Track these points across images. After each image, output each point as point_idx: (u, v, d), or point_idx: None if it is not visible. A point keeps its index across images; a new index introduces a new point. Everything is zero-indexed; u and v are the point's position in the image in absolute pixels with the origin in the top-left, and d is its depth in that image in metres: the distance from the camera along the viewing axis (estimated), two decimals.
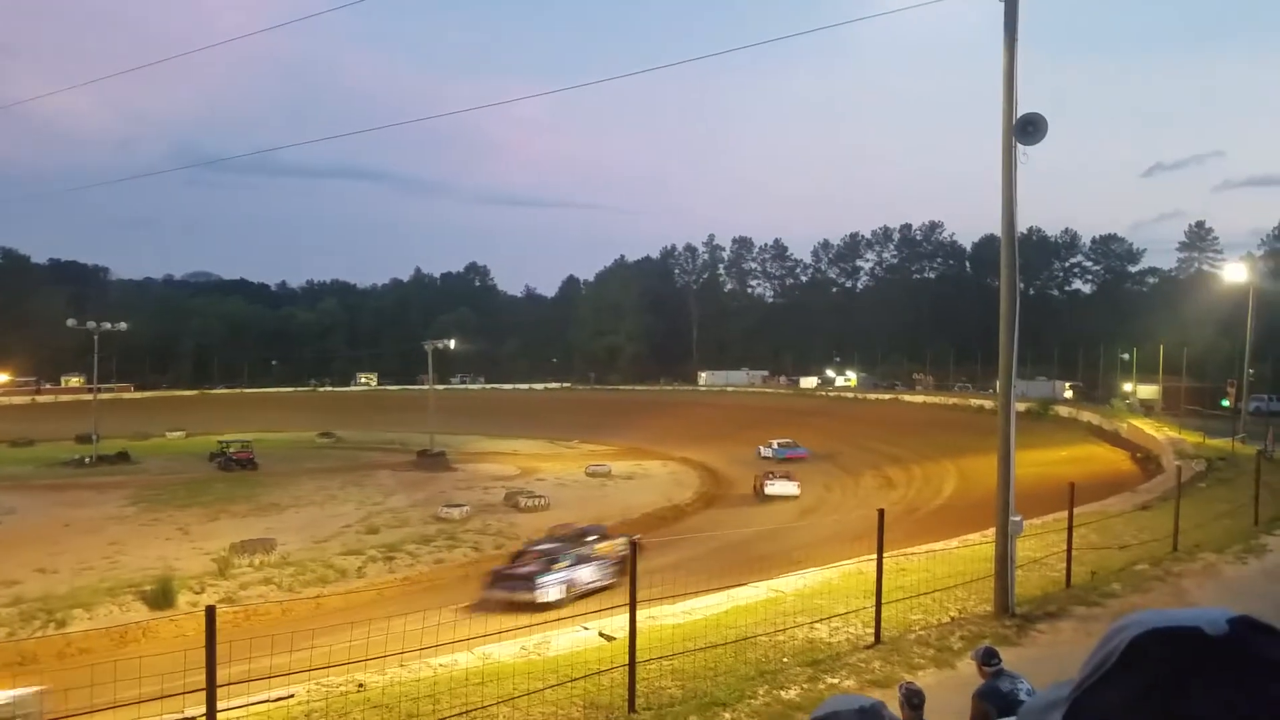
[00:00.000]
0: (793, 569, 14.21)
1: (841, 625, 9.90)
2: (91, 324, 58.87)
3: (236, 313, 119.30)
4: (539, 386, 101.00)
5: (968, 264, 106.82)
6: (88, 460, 50.94)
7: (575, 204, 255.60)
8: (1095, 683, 0.75)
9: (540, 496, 34.10)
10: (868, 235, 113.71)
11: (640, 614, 7.95)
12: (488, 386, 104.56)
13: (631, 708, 7.42)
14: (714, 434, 56.23)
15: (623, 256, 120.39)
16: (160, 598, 20.55)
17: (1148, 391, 57.99)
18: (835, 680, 8.15)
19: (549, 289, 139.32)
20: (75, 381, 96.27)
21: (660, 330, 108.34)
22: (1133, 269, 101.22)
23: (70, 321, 63.25)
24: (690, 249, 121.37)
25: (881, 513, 9.72)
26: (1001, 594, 10.25)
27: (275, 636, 8.48)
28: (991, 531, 11.56)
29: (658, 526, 30.03)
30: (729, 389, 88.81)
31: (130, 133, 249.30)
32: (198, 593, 21.19)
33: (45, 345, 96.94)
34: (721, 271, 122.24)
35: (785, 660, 8.75)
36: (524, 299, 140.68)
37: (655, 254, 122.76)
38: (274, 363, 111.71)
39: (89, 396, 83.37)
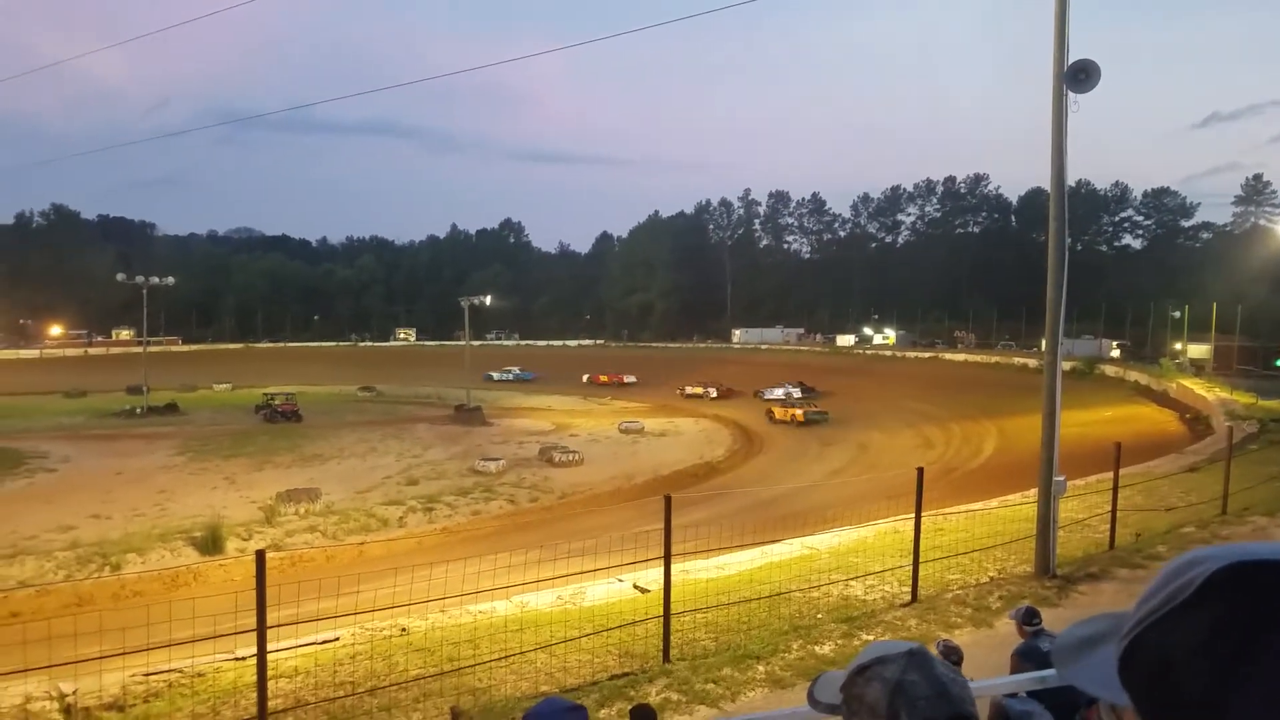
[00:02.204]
0: (827, 527, 14.21)
1: (877, 583, 9.89)
2: (140, 279, 60.02)
3: (278, 269, 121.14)
4: (572, 343, 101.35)
5: (1013, 218, 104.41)
6: (138, 411, 52.32)
7: (610, 160, 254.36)
8: (1162, 618, 0.71)
9: (574, 452, 34.37)
10: (909, 189, 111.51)
11: (674, 567, 8.01)
12: (522, 343, 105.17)
13: (666, 658, 7.51)
14: (748, 392, 56.21)
15: (656, 212, 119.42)
16: (209, 543, 21.16)
17: (1198, 351, 56.63)
18: (870, 636, 8.15)
19: (583, 245, 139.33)
20: (125, 335, 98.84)
21: (693, 287, 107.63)
22: (1185, 224, 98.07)
23: (119, 276, 64.63)
24: (725, 204, 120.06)
25: (921, 471, 9.61)
26: (1042, 555, 10.13)
27: (321, 582, 8.70)
28: (1033, 492, 11.42)
29: (690, 483, 30.16)
30: (763, 347, 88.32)
31: (174, 91, 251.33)
32: (245, 539, 21.77)
33: (95, 299, 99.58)
34: (757, 227, 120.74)
35: (819, 616, 8.77)
36: (557, 255, 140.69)
37: (689, 209, 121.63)
38: (315, 318, 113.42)
39: (138, 349, 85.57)
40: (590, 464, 33.28)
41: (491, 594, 10.13)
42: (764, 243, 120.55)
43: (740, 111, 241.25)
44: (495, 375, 74.95)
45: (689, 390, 61.09)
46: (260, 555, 5.63)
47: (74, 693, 6.76)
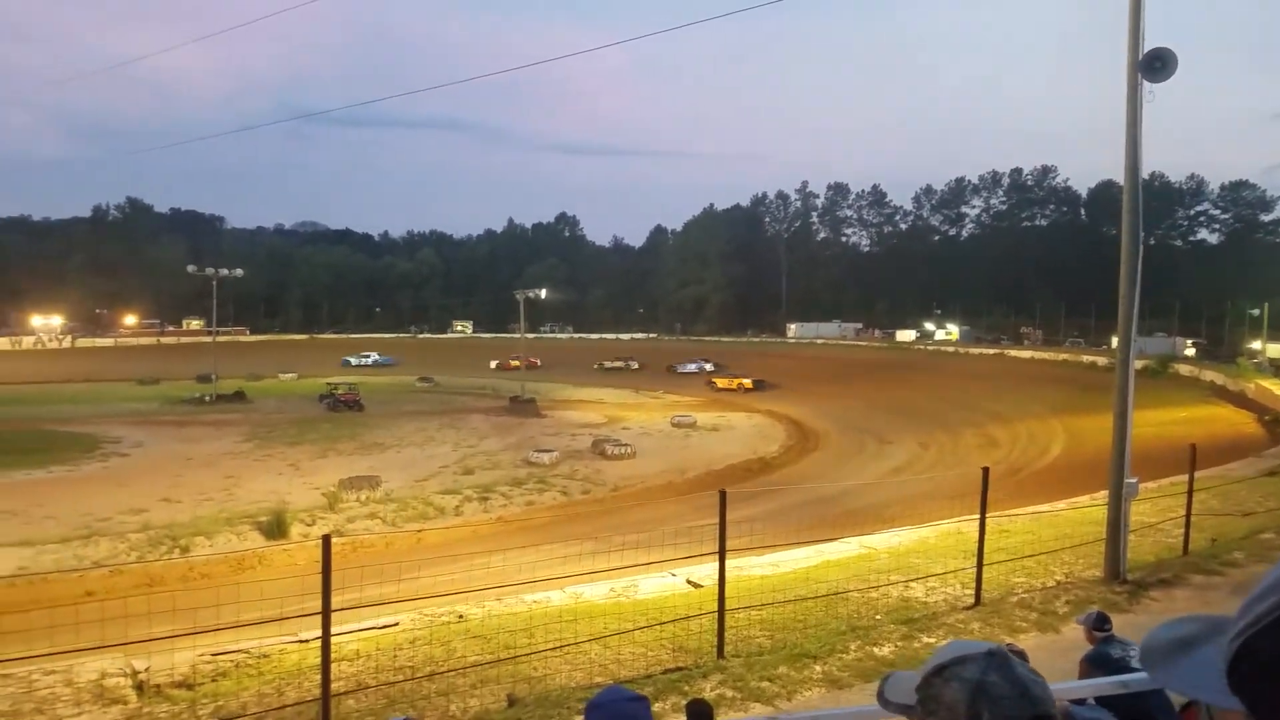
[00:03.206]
0: (885, 526, 14.02)
1: (938, 585, 9.71)
2: (209, 270, 61.88)
3: (341, 262, 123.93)
4: (625, 336, 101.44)
5: (1082, 211, 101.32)
6: (207, 399, 54.02)
7: (665, 152, 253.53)
8: (1276, 621, 0.68)
9: (626, 445, 34.44)
10: (974, 180, 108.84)
11: (727, 564, 7.96)
12: (575, 336, 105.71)
13: (720, 654, 7.47)
14: (802, 388, 55.63)
15: (711, 205, 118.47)
16: (274, 528, 21.74)
17: (1278, 350, 54.27)
18: (931, 639, 8.00)
19: (637, 239, 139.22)
20: (195, 324, 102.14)
21: (748, 280, 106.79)
22: (1265, 218, 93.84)
23: (190, 268, 66.92)
24: (782, 196, 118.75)
25: (986, 470, 9.40)
26: (1112, 559, 9.83)
27: (382, 567, 8.87)
28: (1102, 494, 11.09)
29: (743, 478, 29.95)
30: (819, 341, 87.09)
31: (245, 88, 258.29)
32: (309, 525, 22.32)
33: (167, 290, 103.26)
34: (814, 219, 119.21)
35: (878, 617, 8.64)
36: (611, 249, 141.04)
37: (745, 202, 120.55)
38: (376, 310, 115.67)
39: (208, 339, 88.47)
40: (642, 457, 33.31)
41: (546, 584, 10.20)
42: (821, 235, 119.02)
43: (798, 102, 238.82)
44: (353, 360, 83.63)
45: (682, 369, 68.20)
46: (326, 540, 5.75)
47: (146, 670, 7.00)
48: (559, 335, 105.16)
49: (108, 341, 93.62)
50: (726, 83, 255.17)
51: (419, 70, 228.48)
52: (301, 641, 7.47)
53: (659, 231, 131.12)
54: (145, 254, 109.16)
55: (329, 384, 55.10)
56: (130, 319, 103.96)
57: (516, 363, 74.66)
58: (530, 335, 72.68)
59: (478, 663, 7.17)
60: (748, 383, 61.45)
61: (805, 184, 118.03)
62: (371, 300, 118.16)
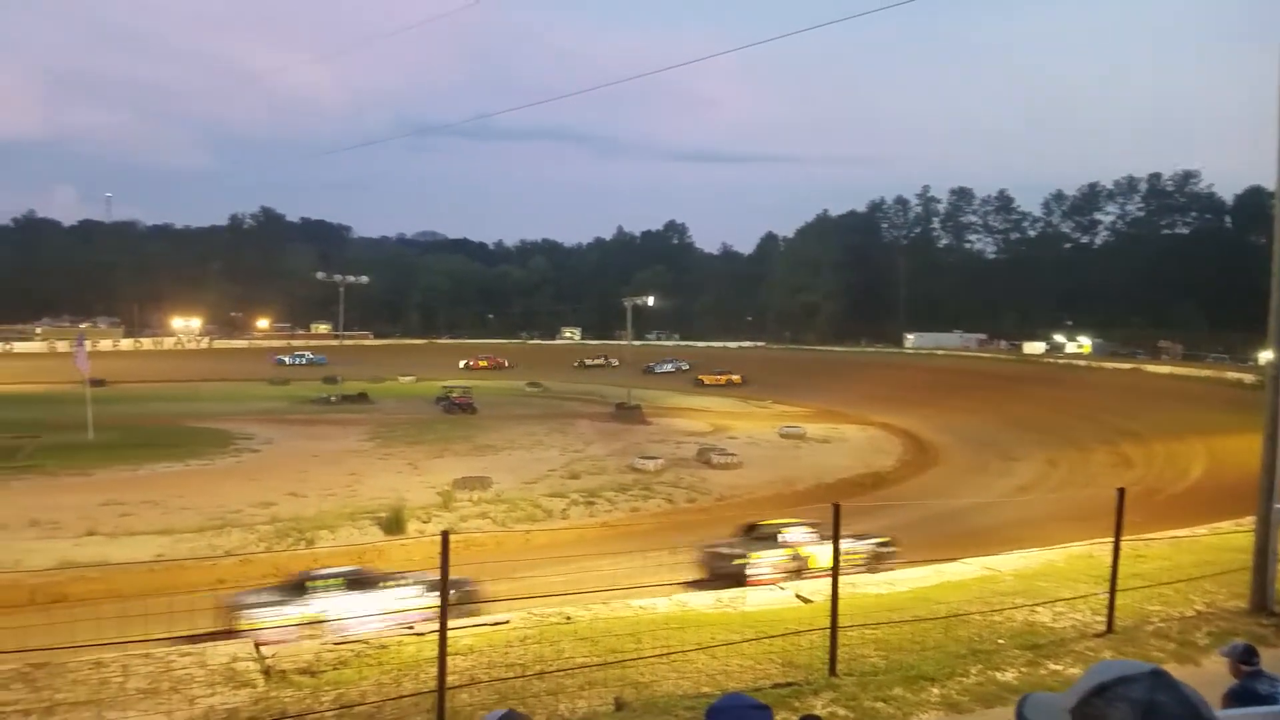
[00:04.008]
0: (1009, 547, 13.38)
1: (1066, 610, 9.19)
2: (337, 277, 65.17)
3: (458, 270, 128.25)
4: (732, 344, 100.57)
5: (1227, 219, 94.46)
6: (333, 399, 56.70)
7: (777, 158, 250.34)
8: None
9: (732, 455, 34.13)
10: (1108, 186, 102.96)
11: (840, 580, 7.73)
12: (681, 343, 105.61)
13: (832, 671, 7.25)
14: (920, 400, 53.69)
15: (826, 211, 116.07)
16: (393, 524, 22.58)
17: None
18: (1058, 666, 7.56)
19: (746, 246, 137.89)
20: (322, 328, 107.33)
21: (863, 288, 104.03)
22: None
23: (319, 274, 70.78)
24: (901, 201, 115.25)
25: (1121, 492, 8.84)
26: (1259, 589, 9.10)
27: (493, 565, 9.03)
28: (1248, 520, 10.33)
29: (855, 493, 29.20)
30: (939, 352, 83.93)
31: (369, 103, 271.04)
32: (424, 522, 23.07)
33: (297, 295, 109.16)
34: (935, 225, 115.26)
35: (1000, 641, 8.23)
36: (720, 256, 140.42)
37: (861, 208, 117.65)
38: (490, 316, 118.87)
39: (334, 342, 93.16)
40: (749, 467, 32.97)
41: (652, 590, 10.18)
42: (943, 242, 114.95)
43: (918, 104, 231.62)
44: (287, 360, 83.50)
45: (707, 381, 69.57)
46: (445, 536, 5.88)
47: (272, 655, 7.32)
48: (664, 342, 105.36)
49: (242, 343, 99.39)
50: (842, 85, 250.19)
51: (535, 83, 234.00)
52: (418, 634, 7.67)
53: (769, 238, 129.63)
54: (278, 261, 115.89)
55: (445, 387, 56.96)
56: (263, 322, 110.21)
57: (483, 362, 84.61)
58: (636, 342, 73.12)
59: (585, 664, 7.19)
60: (736, 378, 69.50)
61: (926, 189, 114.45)
62: (486, 306, 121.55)
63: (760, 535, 17.95)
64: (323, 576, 14.87)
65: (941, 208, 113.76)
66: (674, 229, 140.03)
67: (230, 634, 12.14)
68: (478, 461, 32.99)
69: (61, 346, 75.05)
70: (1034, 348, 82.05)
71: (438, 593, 15.91)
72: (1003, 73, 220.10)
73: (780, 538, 17.71)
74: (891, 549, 17.44)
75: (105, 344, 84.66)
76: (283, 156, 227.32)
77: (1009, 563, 11.86)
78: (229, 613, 14.29)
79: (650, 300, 67.98)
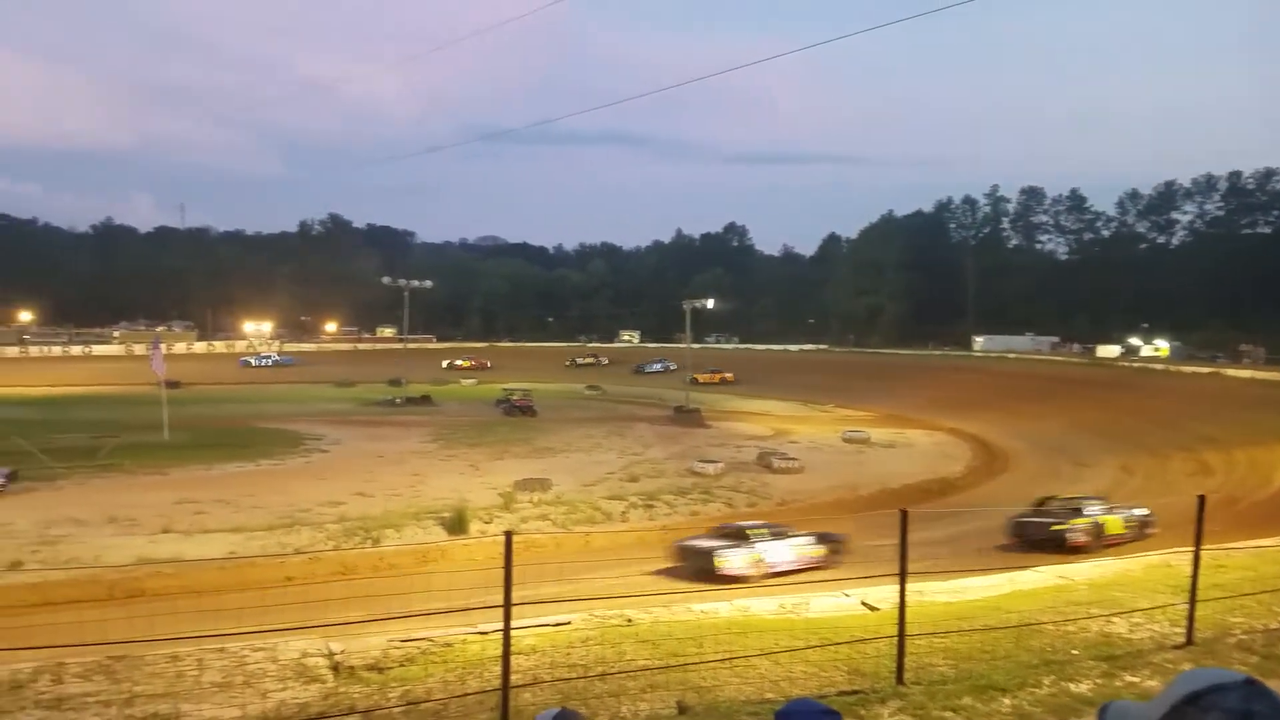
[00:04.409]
0: (1083, 556, 12.99)
1: (1144, 621, 8.84)
2: (401, 282, 66.52)
3: (518, 274, 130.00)
4: (793, 347, 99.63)
5: None
6: (397, 401, 57.86)
7: (839, 158, 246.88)
8: None
9: (793, 459, 33.77)
10: (1185, 184, 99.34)
11: (907, 587, 7.56)
12: (741, 346, 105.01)
13: (899, 680, 7.09)
14: (989, 404, 52.34)
15: (890, 211, 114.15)
16: (455, 524, 22.91)
17: None
18: (1135, 679, 7.27)
19: (808, 248, 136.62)
20: (387, 332, 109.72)
21: (929, 290, 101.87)
22: None
23: (384, 279, 72.46)
24: (969, 201, 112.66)
25: (1202, 499, 8.48)
26: None
27: (553, 566, 9.07)
28: None
29: (922, 499, 28.67)
30: (1009, 355, 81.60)
31: (431, 110, 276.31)
32: (486, 522, 23.36)
33: (363, 300, 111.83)
34: (1005, 225, 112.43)
35: (1075, 652, 7.96)
36: (781, 258, 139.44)
37: (927, 208, 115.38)
38: (549, 319, 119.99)
39: (399, 345, 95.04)
40: (811, 472, 32.60)
41: (713, 594, 10.12)
42: (1013, 242, 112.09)
43: (986, 102, 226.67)
44: (253, 361, 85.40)
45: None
46: (508, 536, 5.92)
47: (341, 652, 7.46)
48: (724, 345, 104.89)
49: (310, 346, 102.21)
50: (907, 83, 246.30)
51: (596, 87, 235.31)
52: (481, 633, 7.73)
53: (832, 240, 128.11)
54: (344, 266, 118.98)
55: (505, 390, 57.66)
56: (330, 326, 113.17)
57: (465, 363, 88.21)
58: (695, 345, 72.95)
59: (646, 667, 7.16)
60: (729, 376, 75.26)
61: (995, 188, 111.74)
62: (545, 310, 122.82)
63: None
64: (754, 527, 19.48)
65: (1011, 207, 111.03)
66: (734, 231, 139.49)
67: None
68: (537, 463, 33.28)
69: (138, 349, 78.38)
70: (1108, 351, 79.31)
71: (826, 544, 18.58)
72: (1074, 68, 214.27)
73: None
74: (1152, 521, 20.41)
75: (180, 347, 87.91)
76: (350, 163, 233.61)
77: (1083, 571, 11.52)
78: (682, 553, 18.86)
79: (710, 303, 67.70)
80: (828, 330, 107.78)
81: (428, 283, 70.90)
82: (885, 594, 9.41)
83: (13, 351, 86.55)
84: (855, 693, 6.82)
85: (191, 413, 45.18)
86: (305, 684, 6.83)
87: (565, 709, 2.15)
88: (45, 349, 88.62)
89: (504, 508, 25.25)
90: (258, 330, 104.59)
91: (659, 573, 18.05)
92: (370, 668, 7.18)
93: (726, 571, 17.87)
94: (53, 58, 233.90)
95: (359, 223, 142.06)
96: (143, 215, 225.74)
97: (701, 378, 74.08)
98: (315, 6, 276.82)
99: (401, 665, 7.25)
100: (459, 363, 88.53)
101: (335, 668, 7.16)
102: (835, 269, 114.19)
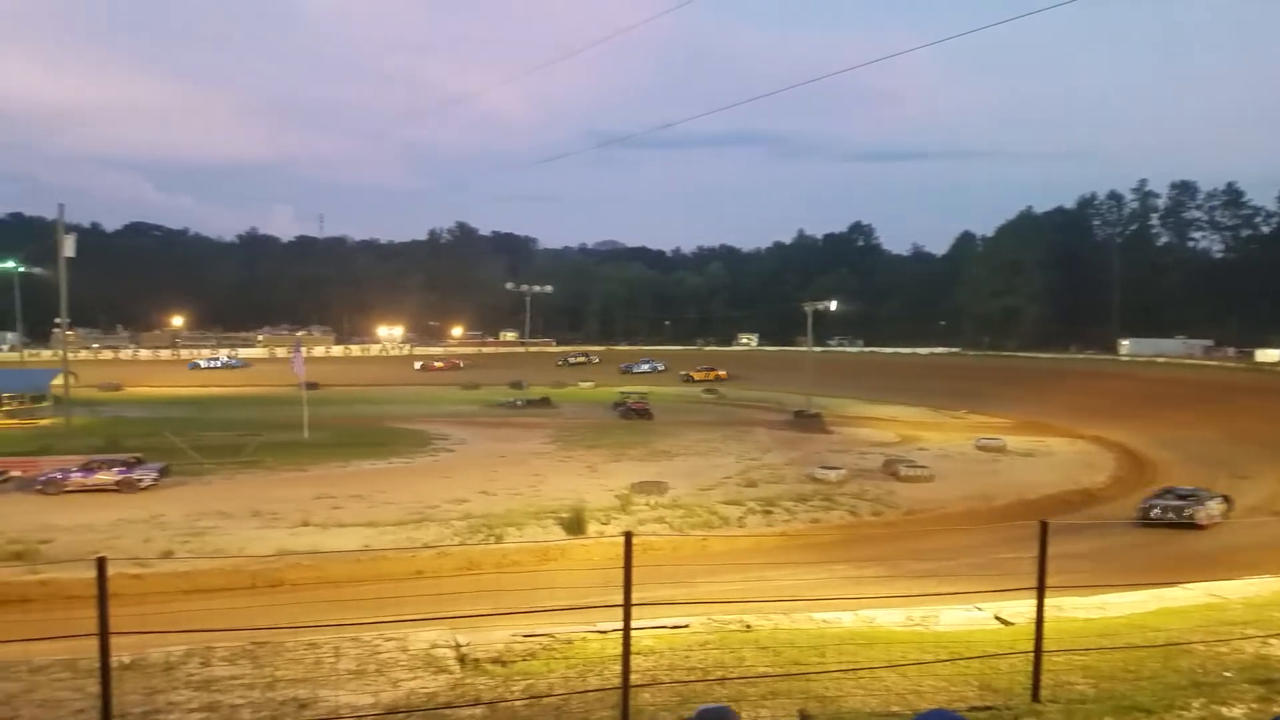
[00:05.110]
0: (1238, 573, 12.01)
1: None
2: (524, 287, 68.44)
3: (635, 277, 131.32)
4: (923, 351, 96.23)
5: None
6: (518, 403, 59.44)
7: (973, 154, 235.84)
8: None
9: (923, 467, 32.60)
10: None
11: (1045, 602, 7.16)
12: (866, 349, 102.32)
13: (1035, 697, 6.73)
14: (1136, 412, 48.89)
15: (1029, 208, 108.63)
16: (574, 525, 23.32)
17: None
18: None
19: (939, 247, 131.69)
20: (509, 336, 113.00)
21: (1071, 290, 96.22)
22: None
23: (508, 285, 74.84)
24: (1114, 197, 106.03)
25: None
26: None
27: (670, 569, 9.06)
28: None
29: (1061, 510, 27.20)
30: (1158, 360, 76.24)
31: (553, 118, 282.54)
32: (603, 523, 23.66)
33: (488, 304, 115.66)
34: (1154, 222, 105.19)
35: (1227, 674, 7.37)
36: (910, 258, 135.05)
37: (1069, 204, 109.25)
38: (666, 323, 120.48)
39: (520, 349, 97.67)
40: (941, 480, 31.42)
41: (835, 603, 9.87)
42: (1163, 240, 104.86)
43: (1131, 92, 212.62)
44: (203, 364, 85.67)
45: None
46: (628, 537, 5.94)
47: (467, 644, 7.68)
48: (848, 349, 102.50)
49: (438, 350, 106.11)
50: (1045, 74, 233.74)
51: (715, 89, 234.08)
52: (601, 632, 7.80)
53: (965, 238, 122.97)
54: (470, 273, 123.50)
55: (622, 393, 58.32)
56: (457, 330, 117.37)
57: (440, 364, 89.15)
58: (817, 348, 71.60)
59: (766, 674, 7.05)
60: (722, 373, 80.00)
61: (1143, 183, 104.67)
62: (662, 313, 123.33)
63: None
64: (1193, 491, 26.32)
65: (1160, 203, 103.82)
66: (859, 230, 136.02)
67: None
68: (653, 466, 33.43)
69: (280, 352, 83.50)
70: (1268, 355, 72.94)
71: (1227, 503, 24.94)
72: (1226, 53, 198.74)
73: None
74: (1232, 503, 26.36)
75: (318, 350, 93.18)
76: (477, 173, 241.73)
77: (1238, 590, 10.67)
78: (1149, 510, 24.96)
79: (833, 305, 66.16)
80: (960, 333, 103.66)
81: (548, 288, 72.83)
82: (1021, 609, 9.00)
83: (166, 354, 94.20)
84: (988, 709, 6.52)
85: (328, 413, 47.76)
86: (434, 674, 7.07)
87: (724, 705, 2.12)
88: (195, 352, 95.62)
89: (621, 509, 25.49)
90: (390, 334, 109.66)
91: (778, 579, 17.80)
92: (494, 661, 7.36)
93: (1201, 521, 24.33)
94: (203, 78, 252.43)
95: (485, 230, 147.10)
96: (284, 225, 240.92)
97: (696, 374, 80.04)
98: (442, 24, 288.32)
99: (524, 660, 7.40)
100: (433, 364, 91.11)
101: (461, 659, 7.38)
102: (969, 268, 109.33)
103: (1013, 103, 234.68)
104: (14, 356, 74.08)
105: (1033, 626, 6.99)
